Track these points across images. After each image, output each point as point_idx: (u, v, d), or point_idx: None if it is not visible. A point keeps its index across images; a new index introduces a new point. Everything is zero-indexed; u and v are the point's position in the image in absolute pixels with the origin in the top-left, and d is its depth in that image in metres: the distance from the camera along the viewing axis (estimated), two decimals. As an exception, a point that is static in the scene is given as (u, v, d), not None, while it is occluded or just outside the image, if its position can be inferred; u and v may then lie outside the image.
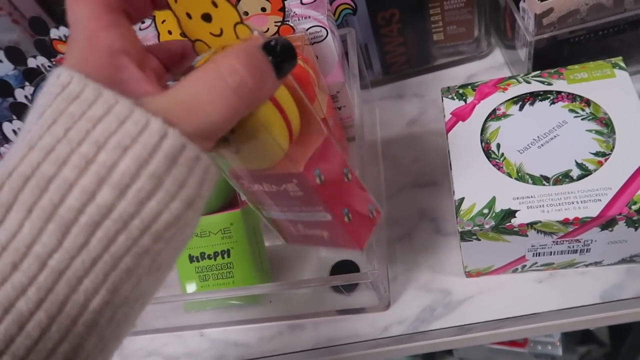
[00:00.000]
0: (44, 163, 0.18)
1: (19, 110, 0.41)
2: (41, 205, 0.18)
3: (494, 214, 0.33)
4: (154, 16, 0.40)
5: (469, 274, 0.39)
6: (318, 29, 0.41)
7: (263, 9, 0.39)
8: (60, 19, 0.46)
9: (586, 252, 0.35)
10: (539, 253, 0.35)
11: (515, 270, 0.38)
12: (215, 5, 0.24)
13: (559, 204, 0.32)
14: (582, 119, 0.36)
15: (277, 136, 0.26)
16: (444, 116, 0.40)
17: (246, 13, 0.39)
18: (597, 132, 0.35)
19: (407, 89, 0.54)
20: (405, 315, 0.39)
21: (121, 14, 0.22)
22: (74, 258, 0.18)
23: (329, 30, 0.41)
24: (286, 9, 0.40)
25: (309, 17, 0.41)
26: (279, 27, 0.40)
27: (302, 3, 0.41)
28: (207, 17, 0.24)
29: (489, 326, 0.38)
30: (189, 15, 0.25)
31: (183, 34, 0.25)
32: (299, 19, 0.41)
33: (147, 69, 0.23)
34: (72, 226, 0.18)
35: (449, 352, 0.80)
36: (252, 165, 0.29)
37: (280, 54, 0.21)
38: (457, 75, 0.53)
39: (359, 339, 0.39)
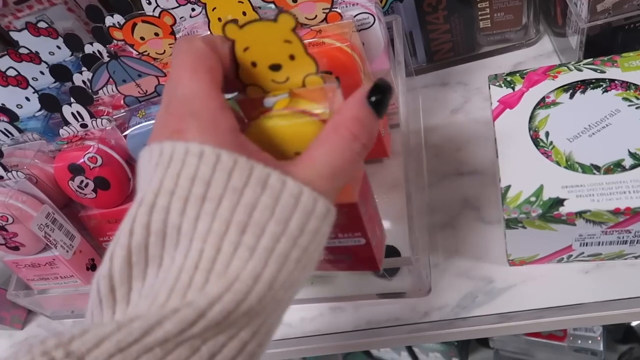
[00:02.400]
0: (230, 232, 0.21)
1: (78, 94, 0.43)
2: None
3: (541, 202, 0.33)
4: (205, 3, 0.41)
5: (512, 263, 0.39)
6: (365, 15, 0.41)
7: (312, -4, 0.40)
8: (116, 8, 0.48)
9: (636, 243, 0.34)
10: (587, 243, 0.35)
11: (560, 260, 0.38)
12: (292, 58, 0.26)
13: (610, 193, 0.32)
14: (636, 108, 0.35)
15: None
16: (491, 104, 0.39)
17: (295, 0, 0.40)
18: (652, 121, 0.34)
19: (451, 77, 0.54)
20: (446, 301, 0.39)
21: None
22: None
23: (376, 18, 0.41)
24: (334, -4, 0.40)
25: (357, 4, 0.41)
26: (327, 13, 0.40)
27: (349, -11, 0.41)
28: (275, 67, 0.26)
29: (530, 315, 0.38)
30: (253, 64, 0.26)
31: (234, 78, 0.26)
32: (346, 6, 0.41)
33: None
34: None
35: (486, 343, 0.80)
36: None
37: (382, 104, 0.24)
38: (503, 63, 0.52)
39: (399, 322, 0.40)
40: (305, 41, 0.39)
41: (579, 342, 0.66)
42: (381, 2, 0.46)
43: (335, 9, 0.40)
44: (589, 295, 0.36)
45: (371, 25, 0.41)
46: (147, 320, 0.19)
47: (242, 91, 0.27)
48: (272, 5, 0.41)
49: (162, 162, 0.22)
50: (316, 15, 0.41)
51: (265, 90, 0.27)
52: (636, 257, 0.36)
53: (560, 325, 0.39)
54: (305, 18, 0.41)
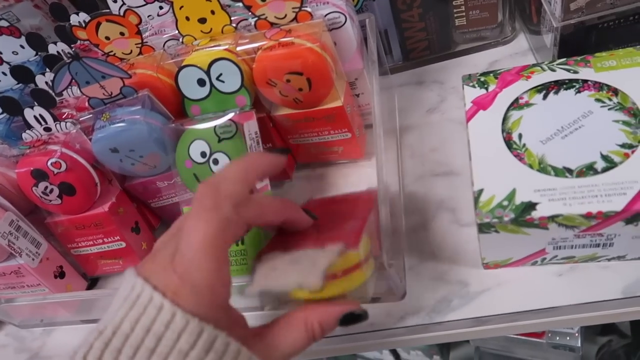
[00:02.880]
0: None
1: (40, 97, 0.42)
2: None
3: (513, 206, 0.33)
4: (172, 2, 0.40)
5: (486, 266, 0.39)
6: (337, 14, 0.40)
7: (282, -5, 0.39)
8: (81, 6, 0.46)
9: (609, 246, 0.34)
10: (560, 246, 0.35)
11: (534, 263, 0.37)
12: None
13: (582, 197, 0.32)
14: (609, 109, 0.35)
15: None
16: (465, 105, 0.39)
17: None
18: (625, 122, 0.34)
19: (427, 75, 0.53)
20: (421, 305, 0.39)
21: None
22: None
23: (347, 16, 0.40)
24: (304, -5, 0.39)
25: (328, 2, 0.40)
26: (296, 12, 0.39)
27: (320, -12, 0.40)
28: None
29: (506, 318, 0.37)
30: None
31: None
32: (317, 5, 0.40)
33: None
34: None
35: (466, 340, 0.80)
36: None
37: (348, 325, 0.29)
38: (479, 61, 0.52)
39: (374, 328, 0.39)
40: (275, 41, 0.39)
41: (557, 338, 0.66)
42: (353, 0, 0.45)
43: (305, 8, 0.39)
44: (563, 297, 0.36)
45: (343, 25, 0.41)
46: None
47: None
48: (241, 4, 0.40)
49: (130, 299, 0.25)
50: (286, 15, 0.39)
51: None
52: (609, 260, 0.36)
53: (535, 327, 0.39)
54: (275, 17, 0.40)
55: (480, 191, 0.34)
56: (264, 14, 0.39)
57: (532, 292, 0.37)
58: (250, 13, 0.40)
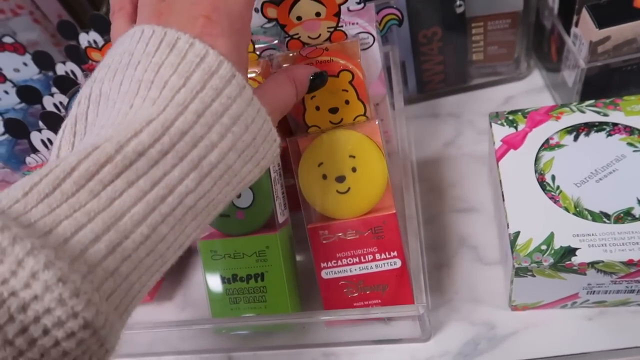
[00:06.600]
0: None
1: (50, 120, 0.39)
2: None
3: (552, 251, 0.32)
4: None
5: (514, 308, 0.38)
6: (365, 35, 0.39)
7: (317, 14, 0.37)
8: (94, 24, 0.44)
9: (643, 292, 0.34)
10: (594, 291, 0.34)
11: (564, 306, 0.37)
12: (347, 103, 0.36)
13: (623, 243, 0.31)
14: (641, 154, 0.35)
15: (385, 176, 0.36)
16: (494, 143, 0.38)
17: (299, 18, 0.37)
18: (658, 168, 0.34)
19: (442, 108, 0.53)
20: (448, 348, 0.38)
21: None
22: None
23: (375, 38, 0.40)
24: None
25: (356, 23, 0.39)
26: (331, 32, 0.38)
27: (349, 10, 0.40)
28: (333, 110, 0.36)
29: (535, 363, 0.37)
30: (317, 108, 0.36)
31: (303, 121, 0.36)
32: (345, 25, 0.39)
33: None
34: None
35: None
36: (350, 212, 0.35)
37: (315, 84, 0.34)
38: (494, 96, 0.52)
39: (398, 371, 0.38)
40: (313, 59, 0.39)
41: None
42: (380, 24, 0.44)
43: (340, 28, 0.38)
44: (593, 342, 0.36)
45: (370, 46, 0.40)
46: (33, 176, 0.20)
47: (305, 131, 0.37)
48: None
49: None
50: (320, 35, 0.38)
51: (322, 130, 0.37)
52: (639, 305, 0.36)
53: (563, 372, 0.38)
54: (308, 37, 0.38)
55: (517, 234, 0.33)
56: (297, 34, 0.38)
57: (562, 336, 0.36)
58: (283, 32, 0.38)
